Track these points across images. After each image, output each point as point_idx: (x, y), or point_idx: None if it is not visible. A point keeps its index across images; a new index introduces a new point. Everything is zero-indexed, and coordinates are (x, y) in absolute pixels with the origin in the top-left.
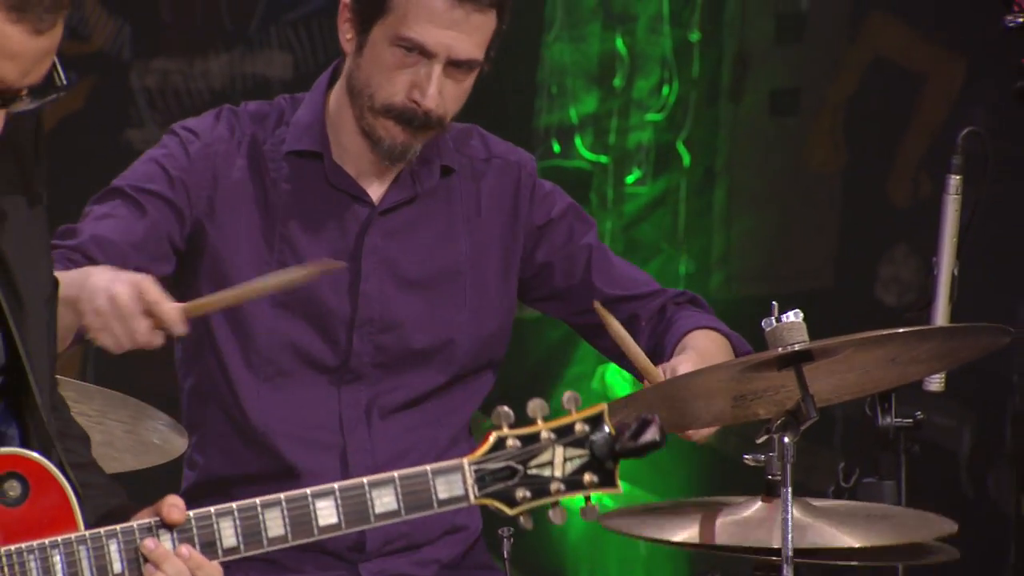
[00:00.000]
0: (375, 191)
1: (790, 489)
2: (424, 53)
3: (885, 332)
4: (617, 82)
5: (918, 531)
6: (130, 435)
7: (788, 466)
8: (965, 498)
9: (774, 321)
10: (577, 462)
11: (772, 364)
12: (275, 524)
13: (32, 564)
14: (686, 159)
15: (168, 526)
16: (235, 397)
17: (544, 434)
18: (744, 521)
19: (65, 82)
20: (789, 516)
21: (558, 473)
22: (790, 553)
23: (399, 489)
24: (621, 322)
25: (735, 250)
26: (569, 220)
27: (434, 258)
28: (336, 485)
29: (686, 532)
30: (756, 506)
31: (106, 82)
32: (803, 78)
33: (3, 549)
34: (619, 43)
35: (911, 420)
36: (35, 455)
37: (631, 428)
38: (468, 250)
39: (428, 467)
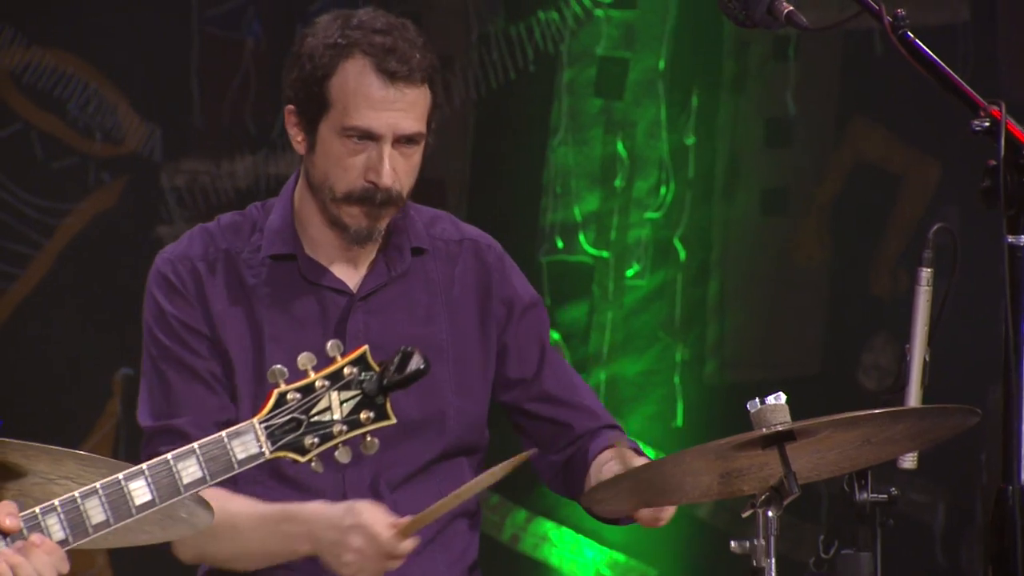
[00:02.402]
0: (351, 279)
1: (773, 560)
2: (371, 137)
3: (861, 413)
4: (618, 183)
5: None
6: (158, 509)
7: (772, 540)
8: (939, 569)
9: (759, 403)
10: (352, 403)
11: (757, 443)
12: (96, 511)
13: None
14: (682, 254)
15: (3, 533)
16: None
17: (318, 383)
18: None
19: None
20: None
21: (337, 416)
22: None
23: (201, 458)
24: (553, 424)
25: (728, 339)
26: (534, 311)
27: (416, 337)
28: (144, 465)
29: None
30: None
31: (138, 182)
32: (791, 179)
33: None
34: (620, 147)
35: (886, 496)
36: None
37: (395, 362)
38: (448, 329)
39: (223, 432)
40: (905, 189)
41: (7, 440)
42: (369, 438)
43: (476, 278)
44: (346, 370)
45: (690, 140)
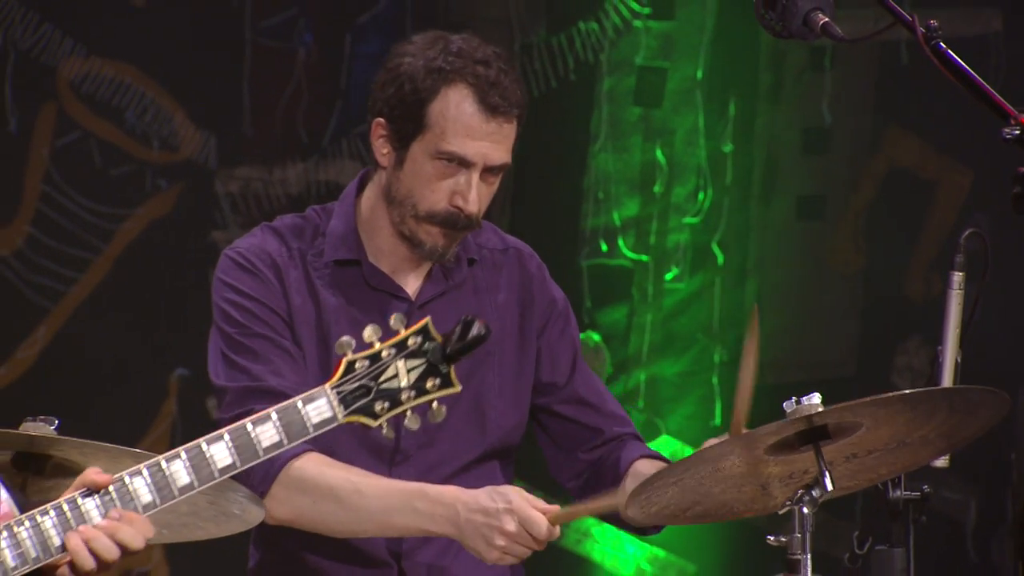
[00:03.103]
0: (410, 286)
1: (809, 555)
2: (463, 163)
3: (892, 394)
4: (657, 188)
5: None
6: (213, 506)
7: (808, 535)
8: (970, 565)
9: (795, 403)
10: (418, 371)
11: (794, 444)
12: (180, 474)
13: None
14: (720, 258)
15: (93, 492)
16: None
17: (385, 352)
18: None
19: None
20: None
21: (404, 383)
22: None
23: (277, 423)
24: (583, 427)
25: (765, 341)
26: (566, 315)
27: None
28: (225, 430)
29: None
30: None
31: (193, 188)
32: (827, 186)
33: None
34: (659, 154)
35: (919, 493)
36: None
37: (456, 331)
38: (494, 334)
39: (297, 398)
40: (938, 195)
41: (65, 438)
42: (436, 405)
43: (519, 285)
44: (410, 340)
45: (728, 147)
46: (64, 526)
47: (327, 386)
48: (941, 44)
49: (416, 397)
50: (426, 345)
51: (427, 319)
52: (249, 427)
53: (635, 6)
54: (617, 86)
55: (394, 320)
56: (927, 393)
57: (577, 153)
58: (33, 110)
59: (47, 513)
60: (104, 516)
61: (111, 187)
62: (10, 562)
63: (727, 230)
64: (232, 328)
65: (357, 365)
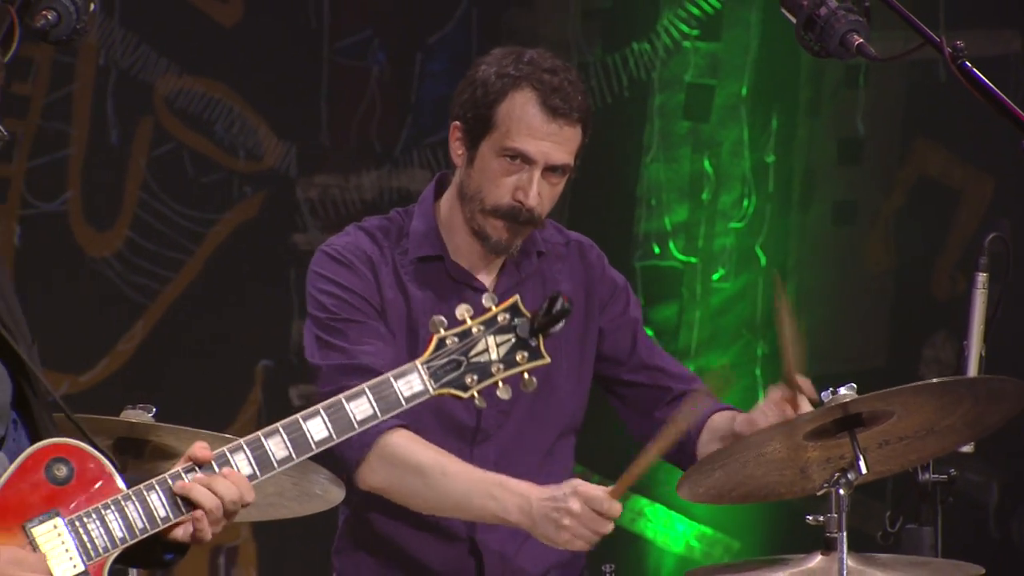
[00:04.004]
0: (486, 279)
1: (845, 533)
2: (526, 160)
3: (921, 383)
4: (705, 196)
5: (952, 573)
6: (296, 487)
7: (843, 515)
8: (992, 542)
9: (831, 393)
10: (507, 345)
11: (831, 430)
12: (279, 448)
13: (92, 525)
14: (762, 260)
15: (196, 467)
16: None
17: (475, 329)
18: (808, 572)
19: (6, 134)
20: (844, 556)
21: (494, 357)
22: None
23: (370, 397)
24: (652, 388)
25: (803, 335)
26: (626, 295)
27: None
28: (320, 405)
29: None
30: (816, 559)
31: (276, 195)
32: (860, 193)
33: (67, 518)
34: (706, 164)
35: (946, 476)
36: (72, 440)
37: (543, 307)
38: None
39: (389, 373)
40: (963, 202)
41: (162, 424)
42: (527, 376)
43: (581, 273)
44: (500, 317)
45: (770, 158)
46: (169, 497)
47: (418, 362)
48: (967, 63)
49: (506, 369)
50: (515, 321)
51: (516, 297)
52: (344, 401)
53: (684, 28)
54: (668, 102)
55: (486, 299)
56: (953, 382)
57: (631, 163)
58: (132, 124)
59: (152, 487)
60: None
61: (202, 194)
62: (118, 533)
63: (769, 234)
64: (325, 314)
65: (448, 342)
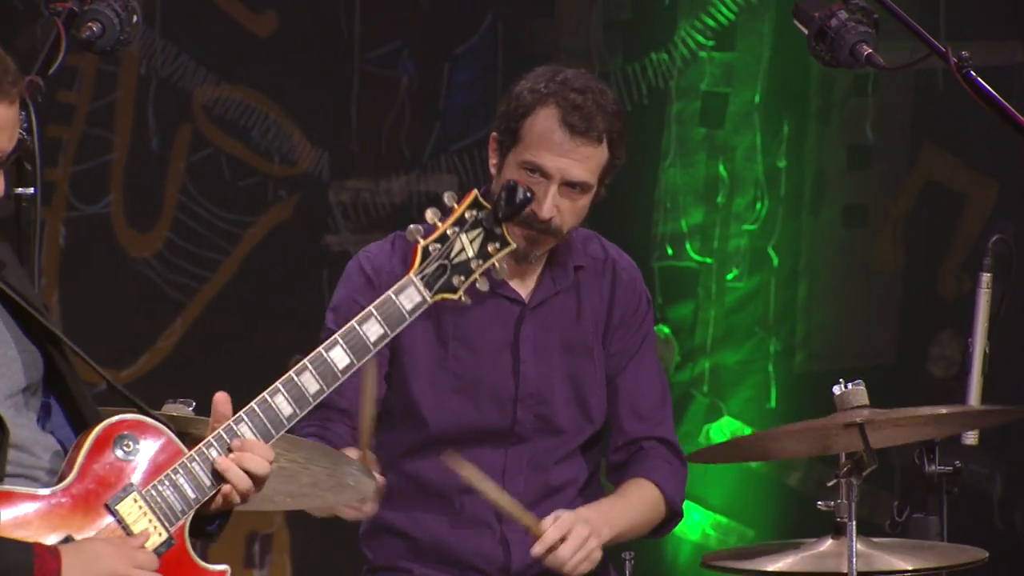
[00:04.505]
0: (522, 290)
1: (854, 521)
2: (543, 174)
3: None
4: (719, 199)
5: (956, 557)
6: (331, 478)
7: (853, 502)
8: (996, 531)
9: (842, 388)
10: (479, 240)
11: (840, 425)
12: (311, 383)
13: (167, 492)
14: (775, 261)
15: (243, 418)
16: (413, 455)
17: (449, 231)
18: (819, 555)
19: (27, 137)
20: (853, 541)
21: (471, 253)
22: (855, 570)
23: (378, 317)
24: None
25: (814, 333)
26: (640, 319)
27: (573, 341)
28: (337, 335)
29: (774, 565)
30: (827, 543)
31: (309, 198)
32: (869, 197)
33: (143, 490)
34: (721, 169)
35: (951, 468)
36: (132, 415)
37: (502, 197)
38: (593, 332)
39: (389, 291)
40: (968, 206)
41: (201, 418)
42: (499, 264)
43: (610, 290)
44: (467, 214)
45: (782, 163)
46: (225, 450)
47: (411, 274)
48: (971, 72)
49: (483, 263)
50: (480, 214)
51: (474, 191)
52: (356, 326)
53: (700, 39)
54: (685, 109)
55: (447, 197)
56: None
57: (649, 168)
58: (172, 130)
59: (211, 444)
60: (256, 435)
61: (238, 197)
62: (191, 494)
63: (781, 236)
64: (333, 327)
65: (430, 248)
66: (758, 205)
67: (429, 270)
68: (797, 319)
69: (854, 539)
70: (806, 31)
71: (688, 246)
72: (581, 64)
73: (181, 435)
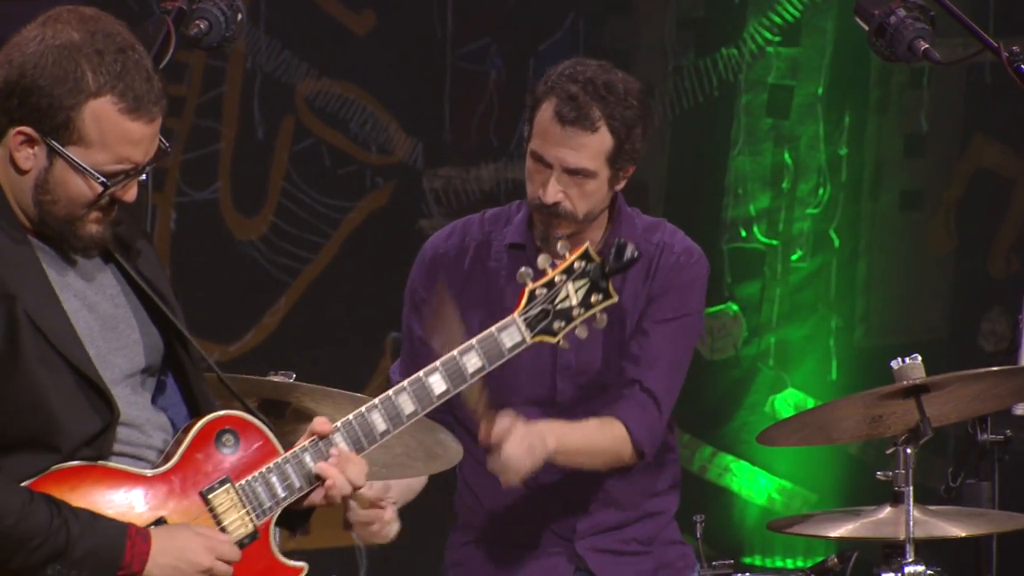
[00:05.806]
0: None
1: (911, 487)
2: (545, 164)
3: (980, 371)
4: (785, 185)
5: (1007, 523)
6: (422, 446)
7: (910, 471)
8: None
9: (899, 362)
10: (584, 290)
11: (899, 394)
12: (407, 404)
13: (259, 488)
14: (836, 242)
15: (340, 429)
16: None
17: (557, 278)
18: (878, 521)
19: (167, 145)
20: (910, 507)
21: (575, 302)
22: (911, 535)
23: (479, 350)
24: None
25: (873, 310)
26: (671, 299)
27: (612, 318)
28: (438, 362)
29: (835, 531)
30: (886, 511)
31: (405, 185)
32: (924, 183)
33: (237, 484)
34: (786, 156)
35: (1002, 436)
36: (235, 412)
37: (611, 253)
38: (631, 309)
39: (492, 328)
40: (1017, 191)
41: (300, 383)
42: (599, 315)
43: (651, 270)
44: (576, 264)
45: (843, 151)
46: (320, 457)
47: (515, 315)
48: (1022, 66)
49: (585, 312)
50: (588, 266)
51: (586, 244)
52: (457, 356)
53: (768, 35)
54: (753, 101)
55: (560, 246)
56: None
57: (720, 156)
58: (276, 122)
59: (305, 450)
60: (349, 445)
61: (338, 184)
62: (281, 493)
63: (842, 219)
64: (404, 313)
65: (537, 292)
66: (820, 190)
67: (532, 312)
68: (857, 297)
69: (911, 507)
70: (867, 27)
71: (756, 229)
72: (657, 59)
73: (282, 403)
